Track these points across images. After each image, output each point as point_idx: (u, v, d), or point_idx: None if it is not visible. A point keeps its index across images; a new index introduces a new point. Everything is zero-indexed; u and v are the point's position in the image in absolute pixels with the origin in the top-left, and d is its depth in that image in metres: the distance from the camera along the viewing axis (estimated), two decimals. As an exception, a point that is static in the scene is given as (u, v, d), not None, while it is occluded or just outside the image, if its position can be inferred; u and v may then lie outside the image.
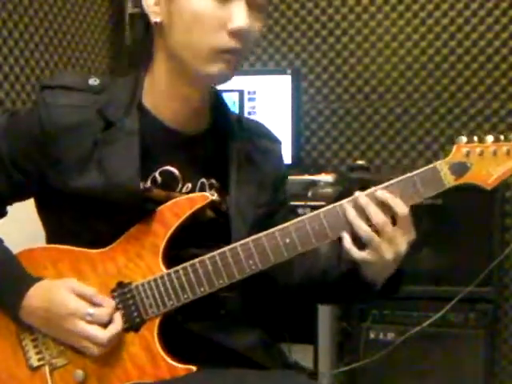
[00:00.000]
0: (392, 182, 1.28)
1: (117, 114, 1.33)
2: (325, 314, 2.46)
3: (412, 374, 2.49)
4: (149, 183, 1.34)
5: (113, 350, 1.28)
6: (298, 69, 2.85)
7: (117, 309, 1.30)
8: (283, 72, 2.69)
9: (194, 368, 1.28)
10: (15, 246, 1.38)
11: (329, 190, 2.43)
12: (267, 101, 2.65)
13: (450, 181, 1.28)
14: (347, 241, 1.28)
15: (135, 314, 1.30)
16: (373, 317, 2.53)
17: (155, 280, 1.30)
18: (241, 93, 2.63)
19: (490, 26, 2.74)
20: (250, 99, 2.66)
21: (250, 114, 2.64)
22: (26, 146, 1.33)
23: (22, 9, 2.26)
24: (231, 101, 2.59)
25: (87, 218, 1.32)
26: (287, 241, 1.28)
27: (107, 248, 1.32)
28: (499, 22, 2.74)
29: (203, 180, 1.38)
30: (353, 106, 2.90)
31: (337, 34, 2.89)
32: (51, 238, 1.41)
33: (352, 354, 2.59)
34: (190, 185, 1.37)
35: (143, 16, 1.33)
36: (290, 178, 1.59)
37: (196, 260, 1.29)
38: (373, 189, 1.28)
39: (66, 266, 1.34)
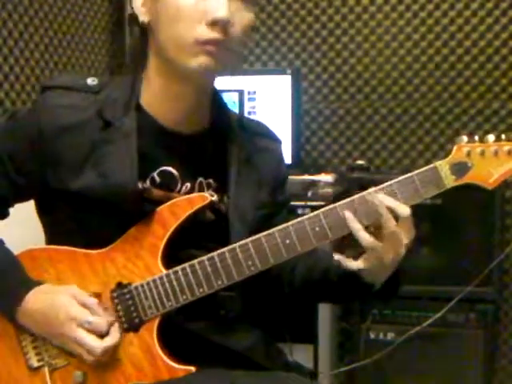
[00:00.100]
0: (392, 182, 1.28)
1: (115, 114, 1.33)
2: (325, 314, 2.46)
3: (412, 374, 2.49)
4: (147, 183, 1.34)
5: (112, 351, 1.28)
6: (297, 69, 2.84)
7: (116, 310, 1.30)
8: (283, 72, 2.69)
9: (193, 369, 1.28)
10: (16, 247, 1.38)
11: (329, 190, 2.43)
12: (267, 101, 2.65)
13: (450, 181, 1.28)
14: (336, 256, 1.29)
15: (134, 314, 1.30)
16: (373, 317, 2.53)
17: (154, 281, 1.30)
18: (241, 93, 2.62)
19: (489, 26, 2.74)
20: (250, 99, 2.66)
21: (249, 113, 2.64)
22: (25, 146, 1.33)
23: (22, 9, 2.26)
24: (231, 101, 2.59)
25: (86, 219, 1.32)
26: (287, 241, 1.28)
27: (107, 248, 1.32)
28: (499, 22, 2.73)
29: (201, 179, 1.38)
30: (353, 106, 2.90)
31: (337, 34, 2.89)
32: (51, 238, 1.41)
33: (352, 353, 2.60)
34: (188, 184, 1.37)
35: (137, 17, 1.34)
36: (290, 177, 1.59)
37: (195, 261, 1.29)
38: (372, 189, 1.28)
39: (65, 267, 1.34)
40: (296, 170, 2.51)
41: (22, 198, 1.42)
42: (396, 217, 1.26)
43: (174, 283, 1.29)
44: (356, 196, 1.28)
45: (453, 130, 2.81)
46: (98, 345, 1.25)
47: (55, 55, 2.45)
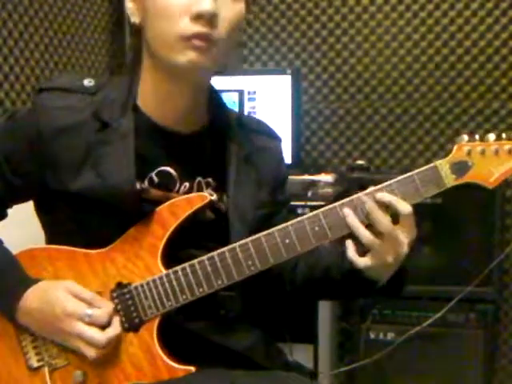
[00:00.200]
0: (392, 181, 1.28)
1: (112, 115, 1.33)
2: (325, 314, 2.46)
3: (412, 374, 2.49)
4: (146, 184, 1.34)
5: (112, 351, 1.28)
6: (297, 69, 2.85)
7: (116, 310, 1.29)
8: (283, 72, 2.69)
9: (192, 369, 1.28)
10: (15, 247, 1.38)
11: (329, 190, 2.43)
12: (267, 101, 2.65)
13: (450, 180, 1.27)
14: (351, 250, 1.28)
15: (134, 314, 1.30)
16: (373, 317, 2.53)
17: (154, 281, 1.30)
18: (241, 93, 2.63)
19: (489, 26, 2.74)
20: (250, 99, 2.66)
21: (249, 114, 2.64)
22: (24, 147, 1.33)
23: (22, 9, 2.26)
24: (231, 101, 2.59)
25: (85, 219, 1.32)
26: (287, 241, 1.28)
27: (106, 248, 1.32)
28: (499, 22, 2.73)
29: (199, 179, 1.38)
30: (353, 106, 2.90)
31: (337, 34, 2.89)
32: (50, 238, 1.41)
33: (352, 353, 2.60)
34: (187, 184, 1.37)
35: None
36: (290, 177, 1.59)
37: (195, 261, 1.29)
38: (372, 189, 1.28)
39: (65, 267, 1.34)
40: (296, 170, 2.51)
41: (19, 200, 1.42)
42: (397, 215, 1.26)
43: (174, 283, 1.29)
44: (355, 195, 1.28)
45: (453, 130, 2.81)
46: (100, 336, 1.24)
47: (55, 55, 2.45)
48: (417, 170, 1.28)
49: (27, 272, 1.34)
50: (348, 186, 2.50)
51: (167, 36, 1.25)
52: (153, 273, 1.30)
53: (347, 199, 1.28)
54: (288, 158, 2.49)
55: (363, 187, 1.30)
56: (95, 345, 1.24)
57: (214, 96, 1.43)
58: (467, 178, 1.27)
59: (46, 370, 1.32)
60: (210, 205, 1.35)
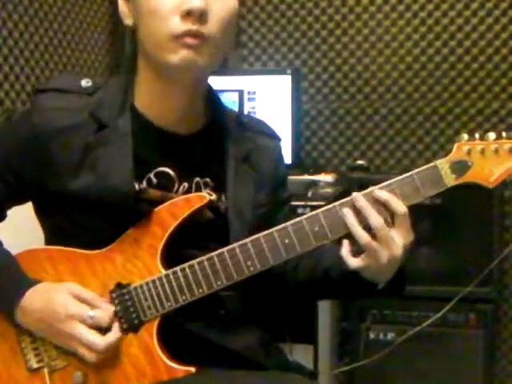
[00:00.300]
0: (391, 181, 1.27)
1: (109, 116, 1.33)
2: (325, 314, 2.46)
3: (412, 374, 2.49)
4: (144, 184, 1.34)
5: (112, 352, 1.27)
6: (297, 69, 2.85)
7: (116, 311, 1.29)
8: (283, 72, 2.69)
9: (192, 369, 1.28)
10: (14, 248, 1.38)
11: (329, 190, 2.43)
12: (267, 101, 2.65)
13: (450, 180, 1.27)
14: (344, 250, 1.28)
15: (134, 315, 1.30)
16: (373, 317, 2.53)
17: (153, 281, 1.29)
18: (241, 93, 2.63)
19: (489, 26, 2.74)
20: (250, 99, 2.66)
21: (249, 113, 2.63)
22: (20, 150, 1.34)
23: (22, 9, 2.26)
24: (231, 101, 2.59)
25: (84, 220, 1.32)
26: (286, 241, 1.28)
27: (105, 249, 1.32)
28: (499, 22, 2.73)
29: (198, 179, 1.38)
30: (353, 106, 2.90)
31: (337, 34, 2.89)
32: (50, 239, 1.41)
33: (352, 354, 2.59)
34: (186, 184, 1.37)
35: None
36: (290, 177, 1.59)
37: (194, 261, 1.29)
38: (371, 189, 1.27)
39: (64, 267, 1.34)
40: (296, 170, 2.51)
41: (18, 201, 1.42)
42: (392, 215, 1.26)
43: (174, 284, 1.29)
44: (353, 196, 1.28)
45: (453, 130, 2.81)
46: (100, 341, 1.24)
47: (55, 55, 2.44)
48: (416, 170, 1.27)
49: (27, 273, 1.34)
50: (348, 186, 2.50)
51: (159, 36, 1.25)
52: (152, 273, 1.30)
53: (347, 199, 1.28)
54: (288, 158, 2.49)
55: (363, 187, 1.30)
56: (94, 349, 1.24)
57: (212, 96, 1.43)
58: (467, 177, 1.27)
59: (46, 371, 1.32)
60: (209, 205, 1.34)
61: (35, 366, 1.32)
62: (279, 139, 1.54)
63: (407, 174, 1.27)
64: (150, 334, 1.29)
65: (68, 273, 1.33)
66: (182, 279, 1.29)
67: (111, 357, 1.28)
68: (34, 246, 1.39)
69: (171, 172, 1.35)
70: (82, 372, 1.30)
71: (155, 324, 1.30)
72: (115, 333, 1.27)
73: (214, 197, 1.37)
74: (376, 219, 1.24)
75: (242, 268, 1.28)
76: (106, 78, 1.64)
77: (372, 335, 2.53)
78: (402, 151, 2.88)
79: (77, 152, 1.31)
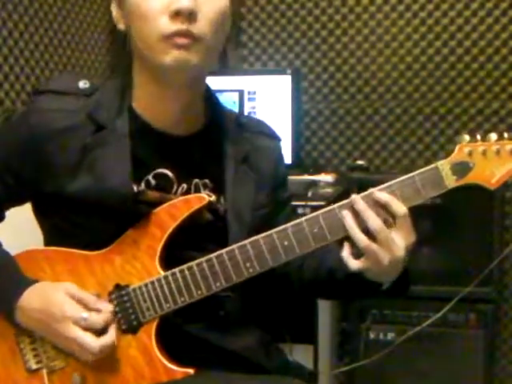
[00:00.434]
0: (392, 182, 1.27)
1: (107, 117, 1.33)
2: (325, 314, 2.45)
3: (412, 374, 2.49)
4: (142, 186, 1.33)
5: (110, 353, 1.28)
6: (297, 69, 2.84)
7: (114, 312, 1.29)
8: (283, 72, 2.68)
9: (191, 371, 1.28)
10: (13, 249, 1.38)
11: (329, 190, 2.43)
12: (267, 101, 2.65)
13: (451, 181, 1.26)
14: (345, 252, 1.27)
15: (133, 316, 1.30)
16: (373, 317, 2.53)
17: (152, 283, 1.29)
18: (241, 93, 2.62)
19: (489, 26, 2.74)
20: (250, 99, 2.66)
21: (249, 114, 2.63)
22: (19, 151, 1.34)
23: (22, 9, 2.26)
24: (231, 101, 2.59)
25: (83, 221, 1.32)
26: (285, 243, 1.28)
27: (104, 250, 1.32)
28: (499, 22, 2.73)
29: (197, 180, 1.38)
30: (353, 106, 2.90)
31: (337, 34, 2.89)
32: (49, 240, 1.41)
33: (352, 354, 2.59)
34: (185, 186, 1.36)
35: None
36: (289, 177, 1.58)
37: (193, 262, 1.29)
38: (371, 190, 1.27)
39: (63, 268, 1.34)
40: (296, 170, 2.50)
41: (16, 202, 1.42)
42: (393, 216, 1.25)
43: (172, 285, 1.29)
44: (352, 198, 1.27)
45: (453, 130, 2.81)
46: (94, 343, 1.24)
47: (55, 55, 2.44)
48: (417, 171, 1.27)
49: (25, 273, 1.34)
50: (348, 186, 2.50)
51: (149, 37, 1.26)
52: (151, 274, 1.30)
53: (346, 201, 1.28)
54: (288, 158, 2.49)
55: (363, 187, 1.30)
56: (88, 350, 1.24)
57: (211, 97, 1.43)
58: (468, 178, 1.26)
59: (45, 371, 1.32)
60: (209, 206, 1.34)
61: (34, 366, 1.32)
62: (279, 139, 1.54)
63: (408, 176, 1.27)
64: (148, 335, 1.29)
65: (66, 273, 1.33)
66: (180, 281, 1.29)
67: (110, 358, 1.28)
68: (33, 246, 1.39)
69: (170, 173, 1.35)
70: (81, 373, 1.30)
71: (154, 325, 1.30)
72: (110, 335, 1.27)
73: (213, 198, 1.37)
74: (375, 221, 1.24)
75: (241, 270, 1.28)
76: (103, 79, 1.64)
77: (372, 335, 2.53)
78: (401, 151, 2.88)
79: (74, 153, 1.31)
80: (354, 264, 1.27)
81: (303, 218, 1.28)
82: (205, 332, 1.35)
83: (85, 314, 1.25)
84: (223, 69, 2.78)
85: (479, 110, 2.78)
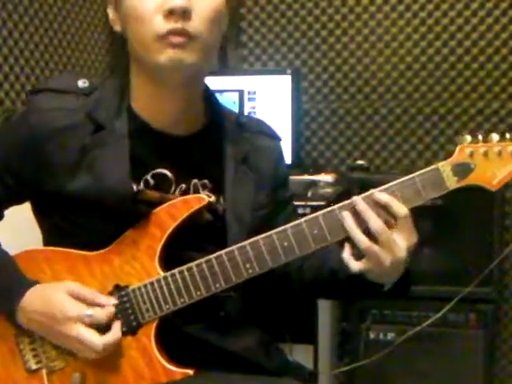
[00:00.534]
0: (392, 183, 1.26)
1: (106, 117, 1.33)
2: (325, 314, 2.45)
3: (412, 374, 2.49)
4: (141, 186, 1.33)
5: (110, 354, 1.27)
6: (297, 69, 2.84)
7: (115, 313, 1.29)
8: (283, 72, 2.68)
9: (190, 372, 1.27)
10: (12, 249, 1.38)
11: (329, 190, 2.43)
12: (267, 101, 2.65)
13: (452, 183, 1.26)
14: (346, 253, 1.27)
15: (132, 317, 1.29)
16: (373, 317, 2.53)
17: (152, 284, 1.29)
18: (241, 93, 2.62)
19: (489, 26, 2.73)
20: (250, 99, 2.66)
21: (249, 113, 2.63)
22: (19, 150, 1.34)
23: (22, 9, 2.25)
24: (231, 101, 2.59)
25: (82, 221, 1.32)
26: (285, 244, 1.27)
27: (104, 250, 1.32)
28: (499, 22, 2.73)
29: (196, 181, 1.37)
30: (353, 106, 2.90)
31: (337, 34, 2.88)
32: (48, 240, 1.41)
33: (352, 354, 2.59)
34: (183, 186, 1.36)
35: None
36: (290, 177, 1.58)
37: (193, 263, 1.29)
38: (371, 191, 1.27)
39: (62, 268, 1.34)
40: (296, 170, 2.50)
41: (15, 201, 1.42)
42: (394, 217, 1.25)
43: (172, 286, 1.29)
44: (353, 199, 1.27)
45: (453, 130, 2.81)
46: (98, 340, 1.24)
47: (55, 55, 2.44)
48: (418, 172, 1.26)
49: (25, 274, 1.34)
50: (348, 186, 2.50)
51: (144, 37, 1.26)
52: (150, 275, 1.30)
53: (346, 202, 1.27)
54: (288, 158, 2.48)
55: (363, 187, 1.29)
56: (93, 349, 1.24)
57: (210, 97, 1.43)
58: (470, 180, 1.26)
59: (44, 372, 1.32)
60: (208, 207, 1.34)
61: (34, 366, 1.32)
62: (279, 139, 1.54)
63: (408, 177, 1.26)
64: (148, 336, 1.29)
65: (66, 274, 1.33)
66: (180, 281, 1.29)
67: (110, 359, 1.28)
68: (32, 246, 1.39)
69: (168, 173, 1.35)
70: (81, 373, 1.30)
71: (153, 326, 1.29)
72: (115, 332, 1.26)
73: (212, 198, 1.37)
74: (375, 222, 1.24)
75: (240, 270, 1.28)
76: (103, 78, 1.64)
77: (372, 335, 2.53)
78: (401, 151, 2.88)
79: (73, 153, 1.31)
80: (355, 265, 1.27)
81: (303, 219, 1.28)
82: (205, 333, 1.35)
83: (89, 311, 1.25)
84: (223, 69, 2.79)
85: (479, 109, 2.78)
